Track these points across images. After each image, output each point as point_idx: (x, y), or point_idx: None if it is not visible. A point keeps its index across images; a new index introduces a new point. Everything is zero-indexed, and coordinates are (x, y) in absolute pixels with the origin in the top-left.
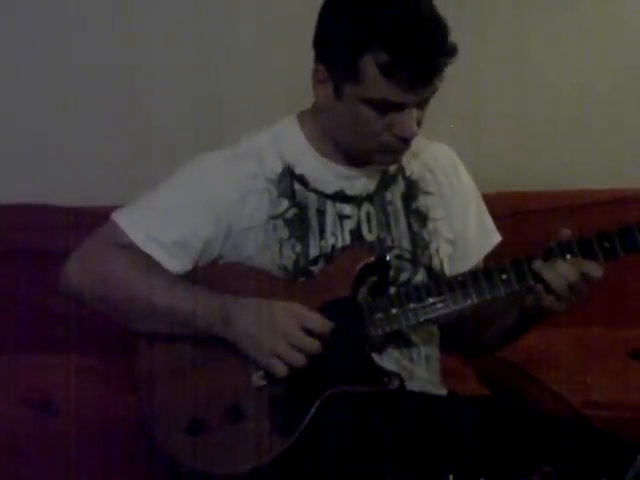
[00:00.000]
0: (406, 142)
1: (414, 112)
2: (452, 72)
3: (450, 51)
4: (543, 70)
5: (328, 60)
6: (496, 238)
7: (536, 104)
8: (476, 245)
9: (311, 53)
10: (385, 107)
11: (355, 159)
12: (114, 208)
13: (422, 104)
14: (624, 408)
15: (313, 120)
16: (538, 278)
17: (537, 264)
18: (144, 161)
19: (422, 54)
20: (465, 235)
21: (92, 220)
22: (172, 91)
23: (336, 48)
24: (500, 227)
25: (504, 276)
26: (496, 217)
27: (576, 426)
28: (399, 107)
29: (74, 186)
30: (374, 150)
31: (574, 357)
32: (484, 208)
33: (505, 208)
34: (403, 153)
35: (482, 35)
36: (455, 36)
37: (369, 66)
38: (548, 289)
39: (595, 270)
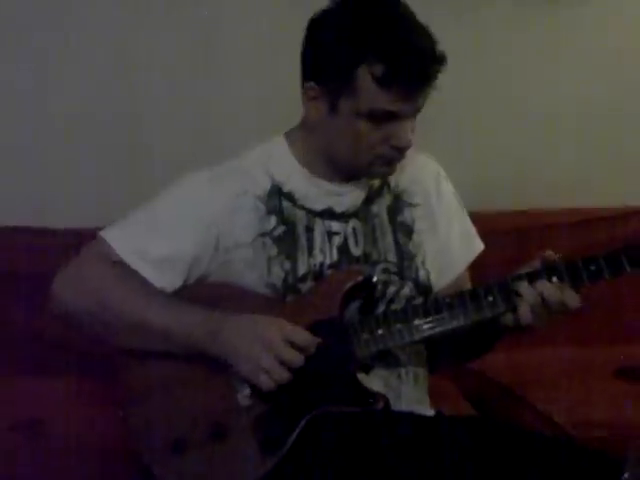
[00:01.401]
0: (402, 152)
1: (409, 122)
2: (451, 90)
3: (441, 58)
4: (541, 88)
5: (321, 76)
6: (479, 245)
7: (535, 121)
8: (460, 254)
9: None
10: (381, 118)
11: (348, 174)
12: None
13: (415, 114)
14: (609, 427)
15: (301, 138)
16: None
17: (522, 285)
18: (140, 183)
19: (416, 62)
20: (449, 244)
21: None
22: (168, 116)
23: (330, 63)
24: (501, 245)
25: (490, 298)
26: (497, 235)
27: (562, 445)
28: (395, 117)
29: (71, 208)
30: (370, 163)
31: (559, 376)
32: (466, 216)
33: (505, 226)
34: (398, 163)
35: (479, 51)
36: (454, 53)
37: (365, 78)
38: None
39: (573, 300)
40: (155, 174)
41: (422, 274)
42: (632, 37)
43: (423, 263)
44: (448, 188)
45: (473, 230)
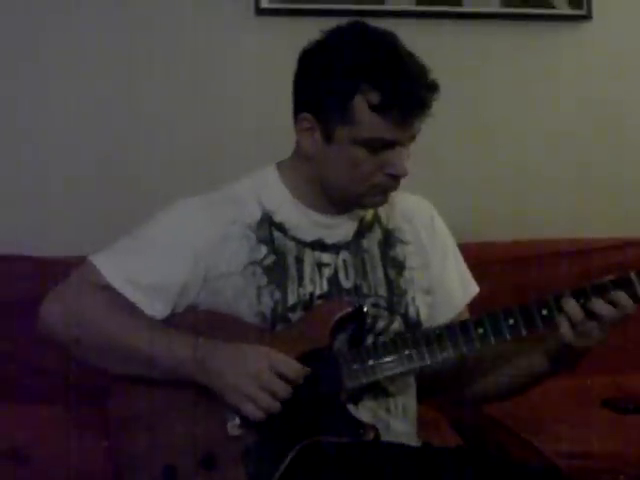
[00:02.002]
0: (397, 181)
1: (405, 150)
2: (449, 119)
3: (434, 86)
4: (539, 115)
5: (316, 106)
6: (474, 289)
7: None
8: (459, 295)
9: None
10: (377, 146)
11: (341, 205)
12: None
13: (410, 141)
14: (595, 458)
15: (292, 169)
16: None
17: (566, 302)
18: (120, 211)
19: (411, 88)
20: (445, 284)
21: (62, 270)
22: (166, 148)
23: (325, 94)
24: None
25: (480, 330)
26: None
27: (548, 476)
28: (391, 145)
29: (45, 236)
30: (365, 192)
31: (546, 406)
32: (462, 259)
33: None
34: (391, 192)
35: (476, 78)
36: (450, 82)
37: (361, 106)
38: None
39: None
40: (154, 205)
41: (412, 310)
42: (634, 56)
43: (414, 299)
44: (442, 228)
45: (469, 274)
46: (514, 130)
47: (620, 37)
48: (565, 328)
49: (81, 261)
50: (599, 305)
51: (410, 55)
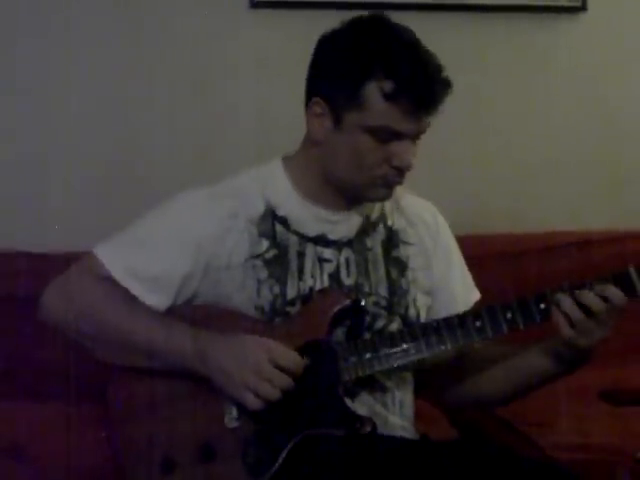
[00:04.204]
0: (402, 174)
1: (411, 144)
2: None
3: (448, 83)
4: (538, 111)
5: (328, 91)
6: (476, 295)
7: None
8: (460, 300)
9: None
10: (385, 136)
11: (346, 197)
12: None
13: (416, 138)
14: (593, 450)
15: (298, 163)
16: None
17: (559, 297)
18: (115, 207)
19: (424, 81)
20: (447, 287)
21: (62, 267)
22: (167, 146)
23: (338, 78)
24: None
25: (478, 323)
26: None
27: (546, 469)
28: (399, 136)
29: (41, 232)
30: (369, 183)
31: (543, 399)
32: (465, 266)
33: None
34: (396, 186)
35: (477, 77)
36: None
37: (373, 93)
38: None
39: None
40: (153, 200)
41: (412, 311)
42: (629, 47)
43: (415, 301)
44: (447, 233)
45: (471, 280)
46: (510, 122)
47: (615, 28)
48: (563, 325)
49: (81, 257)
50: (590, 299)
51: (427, 51)
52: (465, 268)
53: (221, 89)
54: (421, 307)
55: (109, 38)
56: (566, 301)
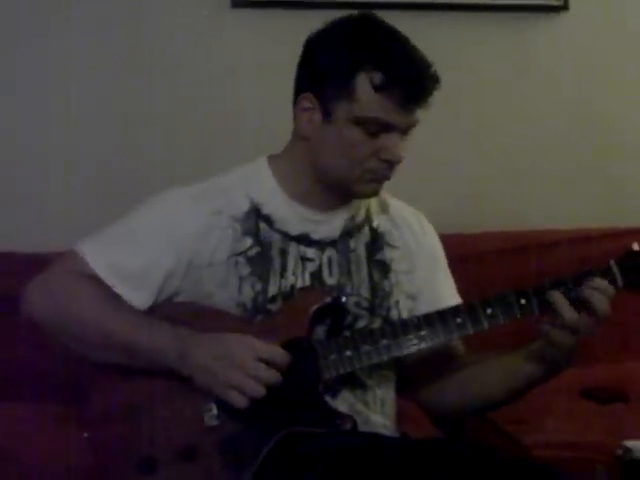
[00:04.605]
0: (391, 168)
1: (401, 138)
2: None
3: (437, 79)
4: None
5: (318, 85)
6: (459, 301)
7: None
8: (446, 304)
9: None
10: (375, 128)
11: (334, 193)
12: None
13: (406, 132)
14: (575, 448)
15: (284, 162)
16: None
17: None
18: (115, 208)
19: (414, 73)
20: (431, 292)
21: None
22: (131, 135)
23: (329, 71)
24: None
25: (459, 320)
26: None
27: (526, 467)
28: (388, 129)
29: (42, 232)
30: (358, 178)
31: (525, 397)
32: (450, 274)
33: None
34: (384, 181)
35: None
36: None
37: (363, 84)
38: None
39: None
40: (121, 198)
41: (394, 314)
42: (610, 47)
43: (397, 303)
44: (433, 239)
45: (454, 288)
46: (491, 121)
47: (597, 27)
48: (566, 310)
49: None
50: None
51: (415, 47)
52: (450, 276)
53: (200, 88)
54: (403, 310)
55: (108, 38)
56: (553, 293)
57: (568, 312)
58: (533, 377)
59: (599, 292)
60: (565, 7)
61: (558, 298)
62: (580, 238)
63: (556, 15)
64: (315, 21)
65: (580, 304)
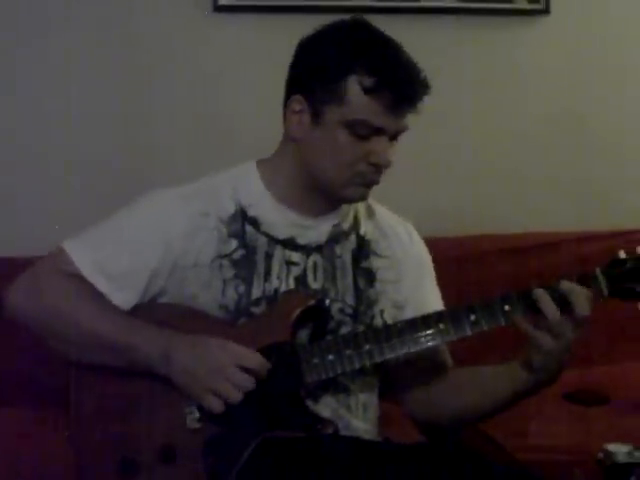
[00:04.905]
0: (379, 172)
1: (390, 142)
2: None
3: (427, 84)
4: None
5: (309, 87)
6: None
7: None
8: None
9: None
10: (364, 131)
11: (322, 198)
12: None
13: (395, 137)
14: (556, 451)
15: (273, 165)
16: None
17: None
18: (115, 208)
19: (405, 77)
20: (420, 298)
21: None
22: (110, 139)
23: (320, 73)
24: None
25: (442, 325)
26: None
27: (510, 472)
28: (377, 132)
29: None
30: (347, 181)
31: None
32: (435, 281)
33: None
34: (372, 186)
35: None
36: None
37: (353, 87)
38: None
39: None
40: (101, 202)
41: (377, 322)
42: (592, 51)
43: (382, 312)
44: (421, 249)
45: (440, 297)
46: (472, 126)
47: (578, 32)
48: (552, 312)
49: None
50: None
51: (407, 53)
52: (436, 286)
53: (183, 93)
54: (388, 319)
55: (103, 39)
56: (540, 294)
57: (551, 310)
58: (523, 387)
59: (578, 290)
60: (546, 11)
61: (542, 295)
62: (562, 242)
63: (537, 19)
64: (297, 25)
65: (562, 305)
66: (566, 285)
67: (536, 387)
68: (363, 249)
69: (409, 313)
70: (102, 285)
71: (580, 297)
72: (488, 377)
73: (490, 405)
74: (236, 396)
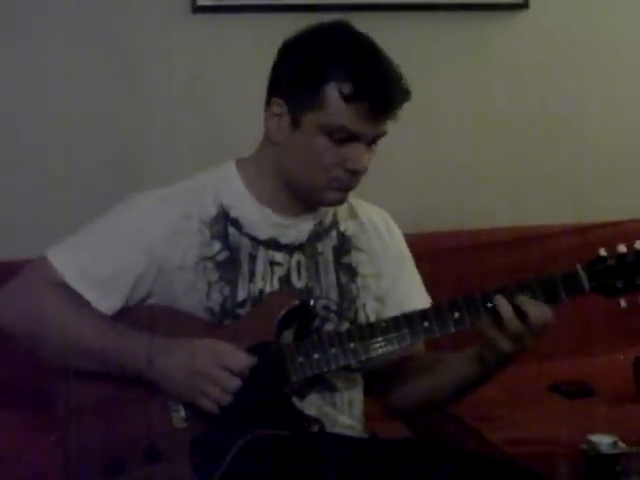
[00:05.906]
0: (356, 178)
1: (367, 148)
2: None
3: (407, 92)
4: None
5: (289, 91)
6: (428, 302)
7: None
8: (415, 305)
9: None
10: (342, 137)
11: (300, 201)
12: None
13: (372, 143)
14: (541, 443)
15: (253, 165)
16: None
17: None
18: (89, 212)
19: (383, 85)
20: (401, 291)
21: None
22: (85, 141)
23: (299, 78)
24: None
25: (426, 323)
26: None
27: (495, 466)
28: (355, 138)
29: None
30: (324, 186)
31: (493, 393)
32: (417, 273)
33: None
34: (349, 191)
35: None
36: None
37: (332, 93)
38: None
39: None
40: (82, 203)
41: (362, 316)
42: (570, 45)
43: (364, 306)
44: (399, 241)
45: (423, 287)
46: (450, 120)
47: (556, 26)
48: (510, 319)
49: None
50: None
51: (389, 60)
52: (417, 275)
53: (161, 94)
54: (370, 313)
55: (105, 39)
56: (504, 304)
57: (511, 318)
58: (478, 377)
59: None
60: (525, 5)
61: (502, 303)
62: (558, 234)
63: (516, 13)
64: (275, 25)
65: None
66: (520, 299)
67: (486, 377)
68: (344, 245)
69: (390, 306)
70: (86, 292)
71: (536, 311)
72: (449, 366)
73: (449, 393)
74: (225, 398)
